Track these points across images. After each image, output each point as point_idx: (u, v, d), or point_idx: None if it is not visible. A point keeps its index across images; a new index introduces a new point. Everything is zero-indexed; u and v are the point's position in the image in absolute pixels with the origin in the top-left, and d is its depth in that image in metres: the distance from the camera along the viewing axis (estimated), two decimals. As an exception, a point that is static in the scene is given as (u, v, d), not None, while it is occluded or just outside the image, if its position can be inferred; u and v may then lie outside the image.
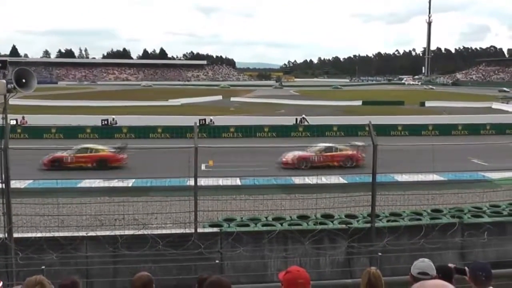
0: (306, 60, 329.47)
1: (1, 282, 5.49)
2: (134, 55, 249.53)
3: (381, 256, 9.97)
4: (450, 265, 5.69)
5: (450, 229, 12.17)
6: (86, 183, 21.45)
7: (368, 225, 11.84)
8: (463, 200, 16.21)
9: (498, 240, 12.36)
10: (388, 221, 13.05)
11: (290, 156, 28.08)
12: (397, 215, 13.70)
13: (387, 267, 9.61)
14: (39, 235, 10.98)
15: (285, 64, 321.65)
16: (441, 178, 21.87)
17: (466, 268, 5.42)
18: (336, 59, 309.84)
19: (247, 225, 12.71)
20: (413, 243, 11.10)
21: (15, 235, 10.35)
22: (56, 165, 26.50)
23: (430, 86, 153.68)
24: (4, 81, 9.87)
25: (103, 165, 27.03)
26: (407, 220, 13.14)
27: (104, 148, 28.42)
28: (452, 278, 5.33)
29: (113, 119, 45.66)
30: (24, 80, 10.06)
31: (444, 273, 5.27)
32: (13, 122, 38.29)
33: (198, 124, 12.79)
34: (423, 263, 5.23)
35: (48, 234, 11.07)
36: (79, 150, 27.72)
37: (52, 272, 9.19)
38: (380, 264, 9.48)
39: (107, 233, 11.64)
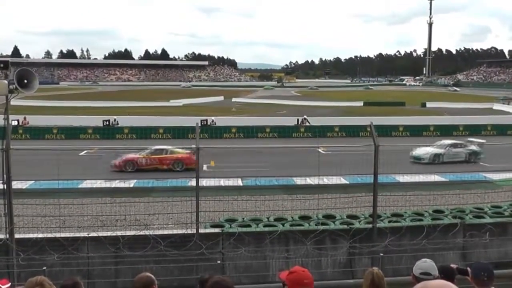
0: (307, 61, 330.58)
1: (10, 283, 5.48)
2: (135, 55, 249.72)
3: (382, 257, 9.96)
4: (452, 265, 5.69)
5: (452, 230, 12.18)
6: (88, 183, 21.45)
7: (370, 225, 11.84)
8: (465, 201, 16.23)
9: (499, 240, 12.38)
10: (389, 221, 13.04)
11: (119, 158, 27.15)
12: (399, 216, 13.69)
13: (388, 267, 9.63)
14: (40, 235, 10.99)
15: (286, 65, 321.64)
16: (442, 179, 21.87)
17: (468, 269, 5.42)
18: (337, 59, 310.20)
19: (249, 226, 12.71)
20: (414, 244, 11.11)
21: (17, 235, 10.38)
22: None
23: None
24: (6, 81, 9.88)
25: None
26: (409, 220, 13.13)
27: None
28: (454, 279, 5.32)
29: (115, 119, 45.66)
30: (25, 81, 10.08)
31: (446, 274, 5.26)
32: (14, 123, 38.31)
33: (199, 125, 12.77)
34: (425, 263, 5.24)
35: (49, 235, 11.08)
36: None
37: (53, 272, 9.20)
38: (382, 265, 9.47)
39: (109, 233, 11.63)
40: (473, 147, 30.14)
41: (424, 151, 29.36)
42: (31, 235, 11.25)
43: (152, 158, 27.44)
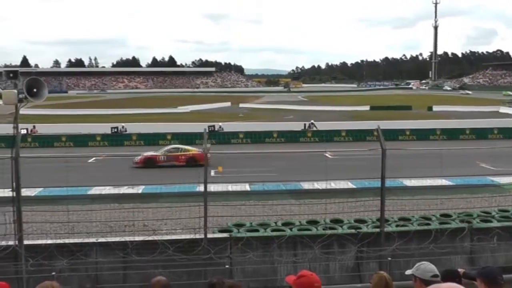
0: (314, 66, 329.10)
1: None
2: (143, 63, 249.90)
3: (390, 261, 9.98)
4: (459, 270, 5.65)
5: (459, 234, 12.15)
6: (96, 190, 21.54)
7: (377, 229, 11.83)
8: (472, 205, 16.17)
9: (507, 245, 12.35)
10: (397, 225, 13.07)
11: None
12: (406, 220, 13.72)
13: (396, 271, 9.64)
14: (49, 242, 11.07)
15: (293, 70, 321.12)
16: (450, 183, 21.82)
17: (473, 273, 5.37)
18: (344, 64, 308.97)
19: (257, 231, 12.76)
20: (422, 248, 11.11)
21: (26, 242, 10.44)
22: None
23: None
24: (15, 91, 10.00)
25: None
26: (416, 224, 13.15)
27: None
28: (460, 282, 5.27)
29: (123, 126, 45.83)
30: (35, 90, 10.19)
31: (452, 277, 5.22)
32: (23, 132, 38.46)
33: (207, 131, 12.84)
34: (430, 266, 5.15)
35: (58, 241, 11.14)
36: None
37: (62, 278, 9.28)
38: (390, 269, 9.50)
39: (117, 239, 11.71)
40: None
41: None
42: (40, 241, 11.34)
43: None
